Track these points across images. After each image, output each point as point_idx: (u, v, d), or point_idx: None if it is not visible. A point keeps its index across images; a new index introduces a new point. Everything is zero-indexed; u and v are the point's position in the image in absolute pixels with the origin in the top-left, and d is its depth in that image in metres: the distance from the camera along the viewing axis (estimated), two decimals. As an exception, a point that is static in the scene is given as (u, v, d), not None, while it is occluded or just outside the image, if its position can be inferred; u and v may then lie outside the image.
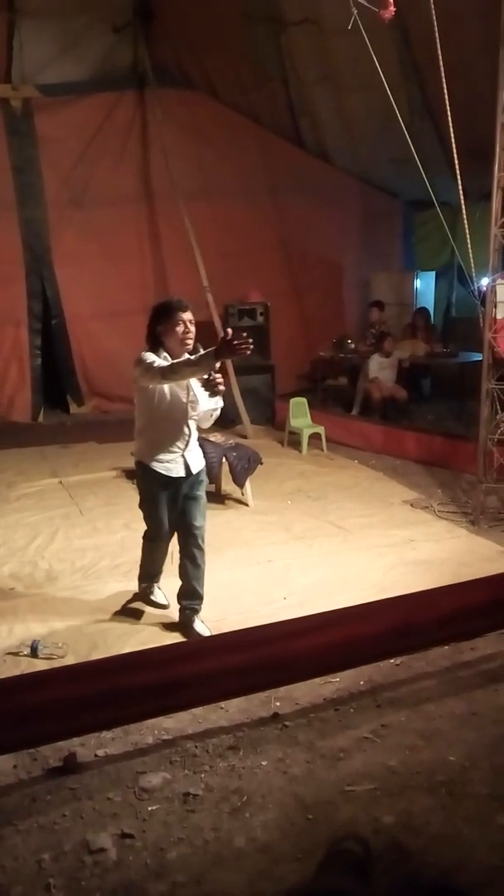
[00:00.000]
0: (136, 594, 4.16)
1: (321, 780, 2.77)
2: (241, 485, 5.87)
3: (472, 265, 5.39)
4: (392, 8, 4.87)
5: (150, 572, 4.06)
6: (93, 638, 3.76)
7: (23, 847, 2.46)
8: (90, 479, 6.59)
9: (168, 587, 4.07)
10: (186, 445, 3.68)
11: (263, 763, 2.86)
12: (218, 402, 3.71)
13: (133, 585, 4.41)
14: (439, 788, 2.71)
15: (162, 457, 3.64)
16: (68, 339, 9.19)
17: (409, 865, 0.66)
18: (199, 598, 3.87)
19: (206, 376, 3.52)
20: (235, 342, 3.12)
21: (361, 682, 3.38)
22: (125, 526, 5.21)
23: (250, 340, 3.18)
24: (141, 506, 3.83)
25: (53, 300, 9.16)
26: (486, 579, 3.73)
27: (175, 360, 3.45)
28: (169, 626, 3.93)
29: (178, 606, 3.90)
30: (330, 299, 10.32)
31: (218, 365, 3.38)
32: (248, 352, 3.20)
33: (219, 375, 3.56)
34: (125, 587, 4.39)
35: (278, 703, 3.22)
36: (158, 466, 3.65)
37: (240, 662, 2.94)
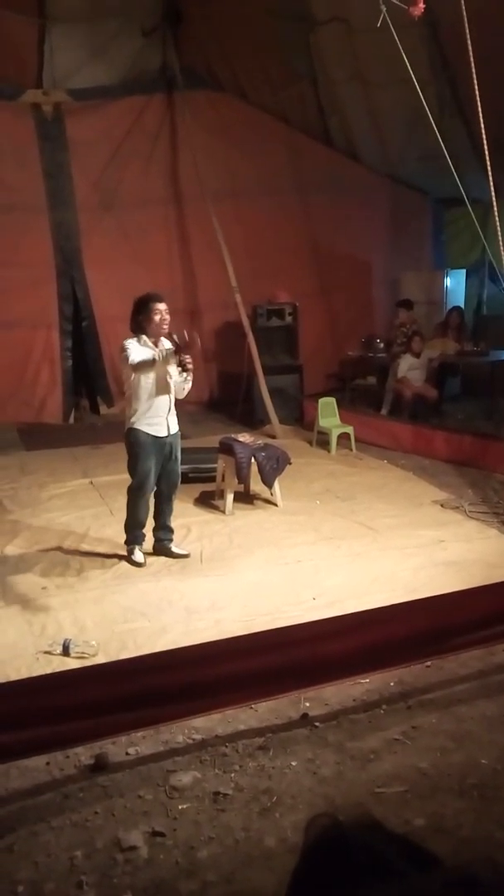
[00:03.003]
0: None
1: (351, 781, 2.76)
2: (269, 485, 5.87)
3: (504, 263, 5.32)
4: (421, 4, 4.82)
5: (136, 521, 4.79)
6: (122, 637, 3.79)
7: (55, 844, 2.49)
8: (120, 479, 6.59)
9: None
10: (168, 411, 4.62)
11: (293, 763, 2.86)
12: (187, 378, 4.58)
13: (163, 585, 4.45)
14: (471, 791, 2.69)
15: (150, 420, 4.57)
16: (98, 341, 9.28)
17: (380, 832, 0.69)
18: (171, 531, 4.93)
19: (178, 358, 4.38)
20: (184, 350, 4.30)
21: (391, 684, 3.36)
22: (152, 535, 5.23)
23: (198, 342, 4.35)
24: (129, 463, 4.68)
25: (84, 302, 9.26)
26: (519, 581, 3.68)
27: (142, 359, 4.37)
28: (149, 555, 4.85)
29: (155, 539, 4.91)
30: (358, 299, 10.27)
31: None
32: (190, 364, 4.41)
33: (188, 357, 4.41)
34: (155, 587, 4.43)
35: (308, 704, 3.21)
36: (148, 428, 4.58)
37: (270, 663, 2.95)
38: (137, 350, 4.45)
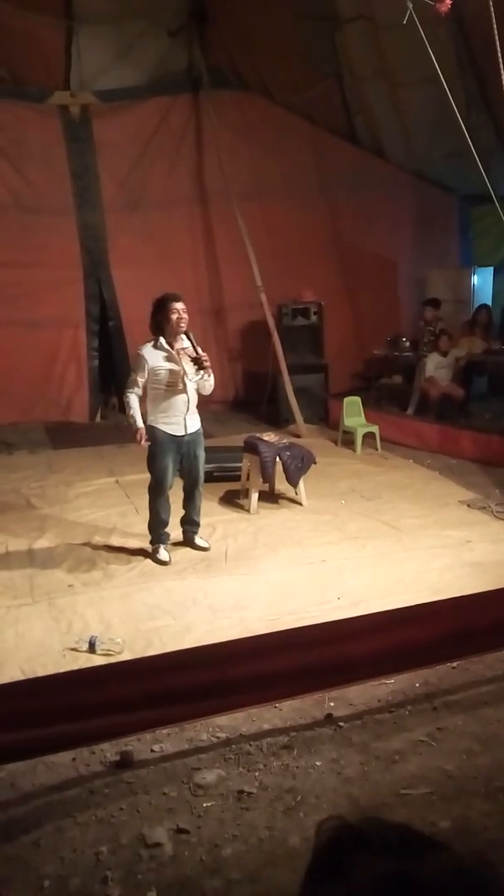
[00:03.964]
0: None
1: (376, 782, 2.75)
2: (294, 484, 5.86)
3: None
4: (448, 1, 4.78)
5: (158, 521, 4.87)
6: (148, 635, 3.81)
7: (81, 839, 2.52)
8: (145, 478, 6.60)
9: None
10: (187, 410, 4.66)
11: (317, 763, 2.86)
12: (206, 376, 4.62)
13: (188, 583, 4.48)
14: (497, 794, 2.66)
15: (168, 419, 4.65)
16: (125, 341, 9.34)
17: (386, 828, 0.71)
18: (197, 524, 5.05)
19: (194, 355, 4.55)
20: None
21: (417, 685, 3.35)
22: (179, 525, 5.26)
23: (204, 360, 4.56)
24: (148, 460, 4.77)
25: (110, 302, 9.33)
26: (547, 582, 3.64)
27: (129, 405, 4.72)
28: (176, 545, 5.00)
29: (182, 529, 5.04)
30: (384, 297, 10.21)
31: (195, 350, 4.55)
32: (207, 362, 4.56)
33: (204, 354, 4.55)
34: (180, 585, 4.45)
35: (332, 704, 3.21)
36: (165, 427, 4.67)
37: (294, 662, 2.95)
38: (135, 401, 4.71)
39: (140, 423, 4.65)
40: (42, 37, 8.70)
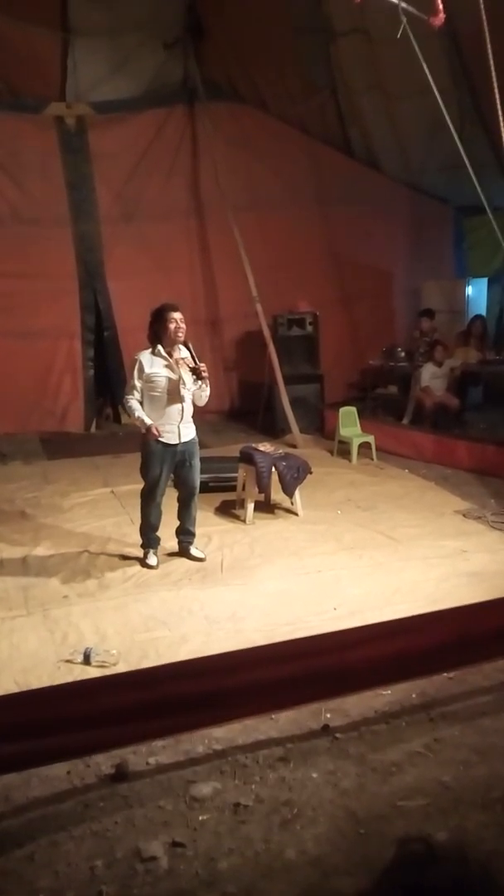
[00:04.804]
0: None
1: (373, 793, 2.73)
2: (290, 494, 5.86)
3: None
4: (442, 15, 4.83)
5: (148, 525, 4.95)
6: (143, 646, 3.80)
7: (76, 853, 2.49)
8: (140, 488, 6.66)
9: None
10: (181, 419, 4.70)
11: (314, 775, 2.84)
12: (202, 386, 4.69)
13: (184, 594, 4.46)
14: (494, 805, 2.65)
15: (161, 427, 4.68)
16: (120, 351, 9.35)
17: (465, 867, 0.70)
18: (192, 535, 5.06)
19: (192, 365, 4.63)
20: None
21: (414, 695, 3.33)
22: (175, 535, 5.25)
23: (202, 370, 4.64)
24: (142, 467, 4.85)
25: (106, 313, 9.34)
26: (543, 592, 3.63)
27: (132, 409, 4.71)
28: (171, 555, 5.04)
29: (177, 540, 5.05)
30: (379, 308, 10.26)
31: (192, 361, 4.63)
32: (205, 372, 4.65)
33: (202, 365, 4.64)
34: (176, 596, 4.43)
35: (329, 715, 3.19)
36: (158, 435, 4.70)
37: (291, 673, 2.93)
38: (137, 404, 4.71)
39: (148, 420, 4.66)
40: (39, 48, 8.76)
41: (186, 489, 4.94)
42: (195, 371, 4.63)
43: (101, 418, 9.62)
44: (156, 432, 4.63)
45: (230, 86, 9.65)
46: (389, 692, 3.32)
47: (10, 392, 8.89)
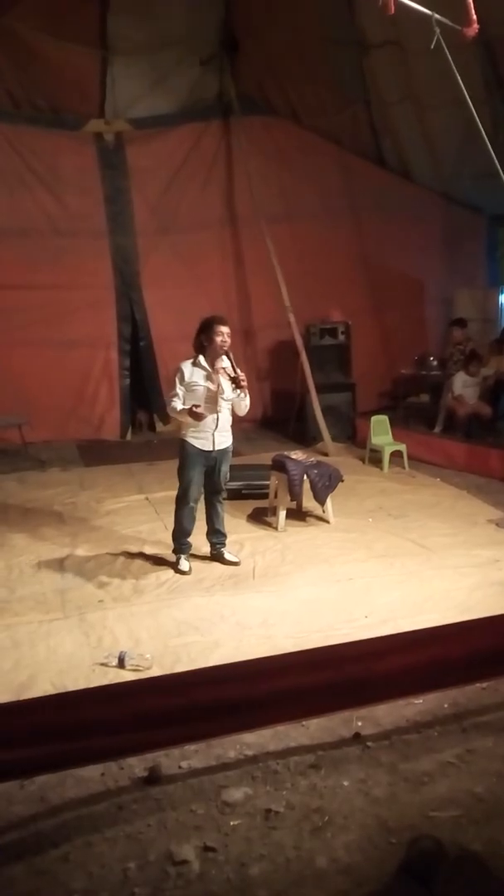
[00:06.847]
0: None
1: (404, 803, 2.73)
2: (322, 502, 5.87)
3: None
4: (475, 25, 4.84)
5: (181, 530, 5.03)
6: (176, 651, 3.84)
7: (109, 855, 2.53)
8: (174, 495, 6.72)
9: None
10: (217, 427, 4.82)
11: (345, 783, 2.84)
12: (241, 395, 4.79)
13: (216, 599, 4.50)
14: (528, 819, 2.62)
15: (197, 434, 4.84)
16: (155, 360, 9.46)
17: (477, 867, 0.71)
18: (224, 535, 5.17)
19: (231, 375, 4.72)
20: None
21: (446, 705, 3.32)
22: (207, 541, 5.29)
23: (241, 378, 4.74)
24: (178, 470, 4.97)
25: (141, 322, 9.47)
26: None
27: (175, 409, 4.79)
28: (203, 559, 5.13)
29: (210, 544, 5.16)
30: (411, 317, 10.22)
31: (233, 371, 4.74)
32: (244, 381, 4.74)
33: (242, 374, 4.75)
34: (208, 601, 4.47)
35: (360, 723, 3.19)
36: (195, 441, 4.86)
37: (322, 680, 2.94)
38: (180, 403, 4.78)
39: (188, 406, 4.73)
40: (78, 67, 8.95)
41: (212, 491, 5.04)
42: (235, 381, 4.73)
43: (136, 426, 9.73)
44: (198, 411, 4.66)
45: (264, 99, 9.75)
46: (421, 701, 3.31)
47: (49, 400, 9.03)
